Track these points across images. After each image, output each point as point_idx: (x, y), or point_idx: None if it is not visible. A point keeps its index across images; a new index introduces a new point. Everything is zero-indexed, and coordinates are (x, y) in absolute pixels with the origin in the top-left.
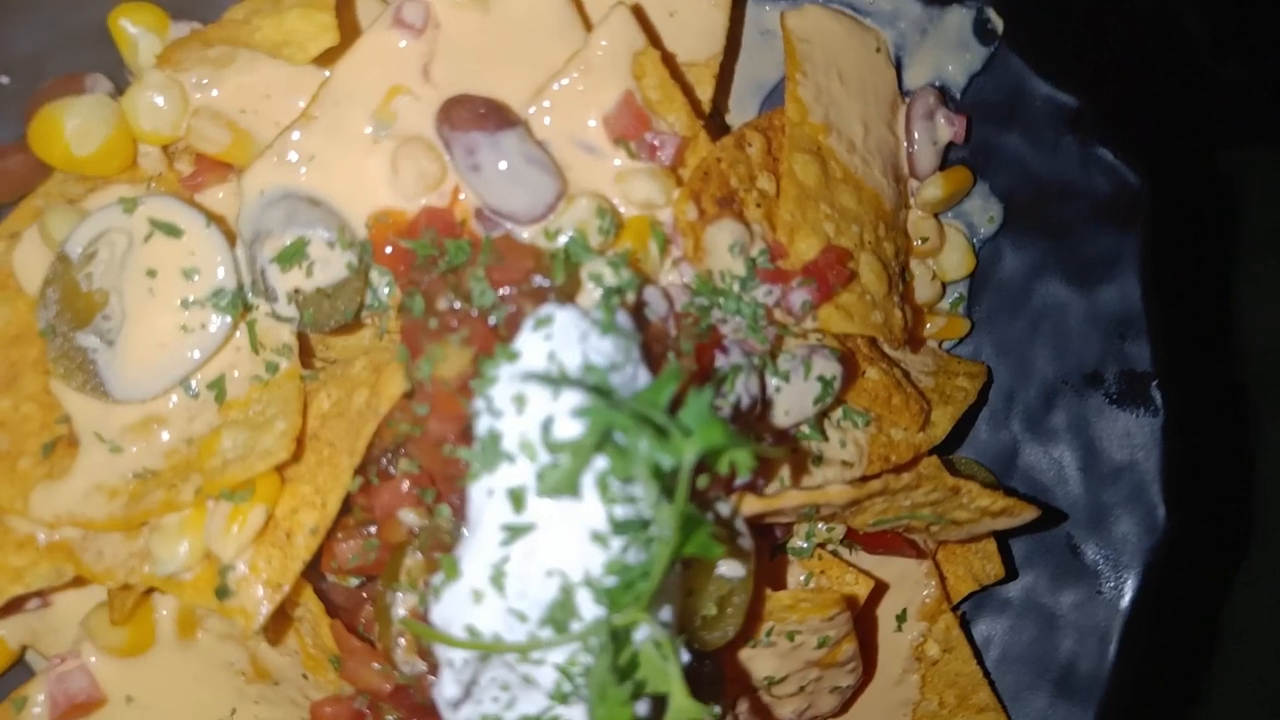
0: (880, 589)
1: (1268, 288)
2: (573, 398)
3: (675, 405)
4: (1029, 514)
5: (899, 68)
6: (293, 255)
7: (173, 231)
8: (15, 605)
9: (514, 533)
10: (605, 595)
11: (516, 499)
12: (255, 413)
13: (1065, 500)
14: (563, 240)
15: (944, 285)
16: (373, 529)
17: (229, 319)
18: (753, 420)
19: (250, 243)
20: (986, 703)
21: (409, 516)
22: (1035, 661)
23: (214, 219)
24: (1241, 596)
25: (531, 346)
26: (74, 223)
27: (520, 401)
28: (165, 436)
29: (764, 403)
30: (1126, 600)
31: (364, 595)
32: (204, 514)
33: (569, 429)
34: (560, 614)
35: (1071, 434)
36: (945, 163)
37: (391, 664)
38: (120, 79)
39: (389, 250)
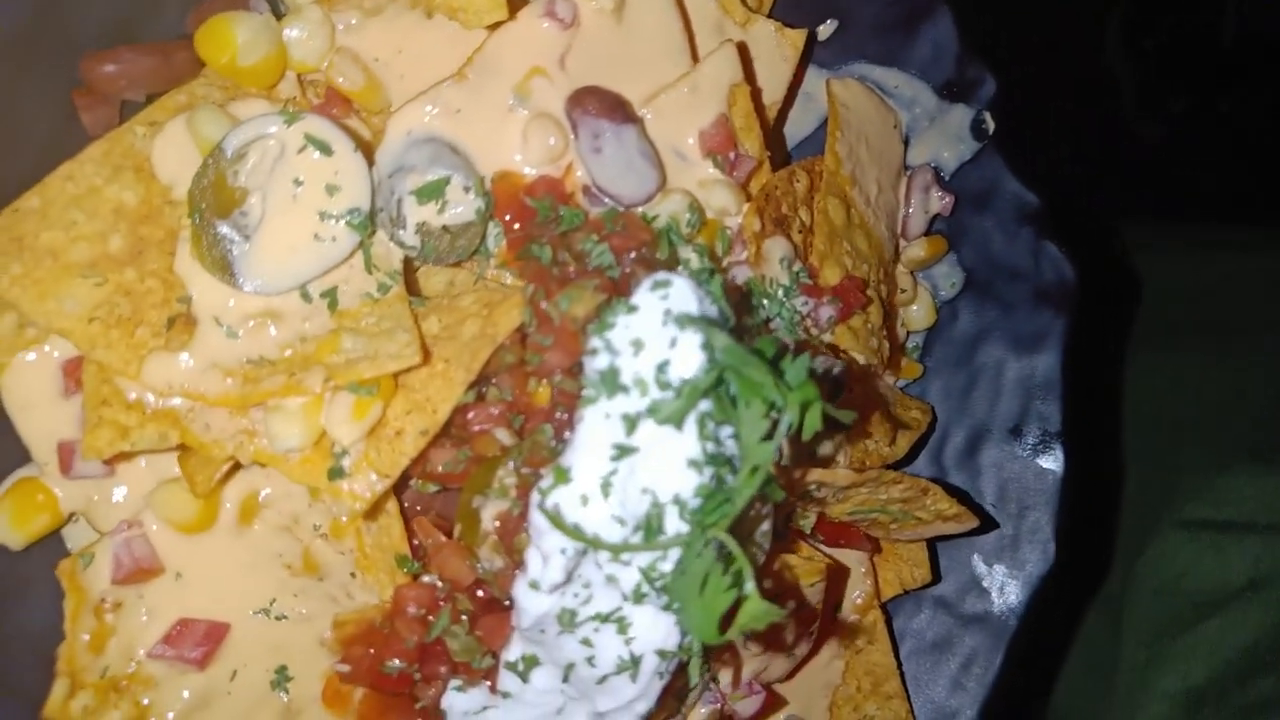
0: (843, 572)
1: (1154, 372)
2: (689, 346)
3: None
4: (972, 522)
5: (906, 145)
6: (432, 192)
7: (325, 149)
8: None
9: (623, 452)
10: (692, 514)
11: (630, 423)
12: (368, 324)
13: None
14: (659, 224)
15: (908, 333)
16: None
17: (357, 237)
18: None
19: (390, 174)
20: (894, 691)
21: (502, 435)
22: (939, 656)
23: (361, 146)
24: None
25: (649, 303)
26: (221, 123)
27: (638, 345)
28: (280, 332)
29: None
30: (1019, 611)
31: (431, 503)
32: (321, 403)
33: (680, 372)
34: (652, 525)
35: (992, 473)
36: (929, 230)
37: (476, 559)
38: (275, 4)
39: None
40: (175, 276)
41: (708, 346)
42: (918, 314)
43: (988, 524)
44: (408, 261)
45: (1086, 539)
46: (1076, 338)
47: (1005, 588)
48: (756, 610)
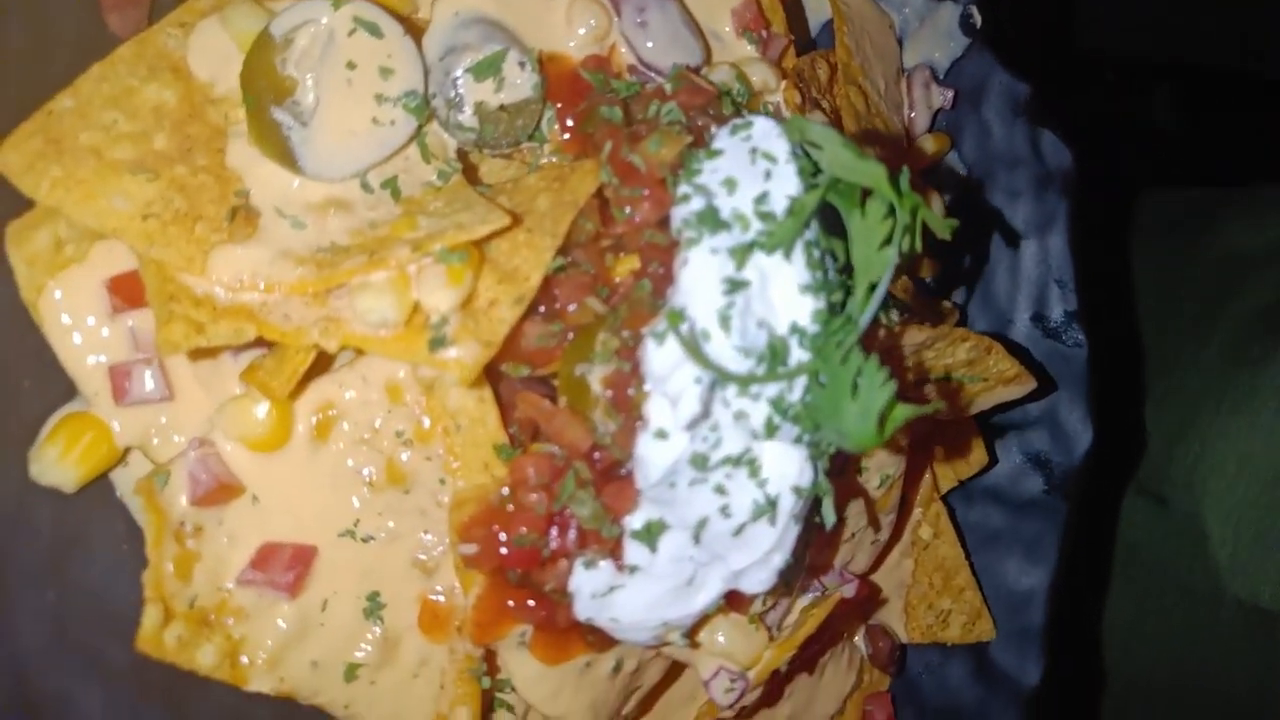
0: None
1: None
2: (786, 174)
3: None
4: (1030, 383)
5: (900, 46)
6: (488, 67)
7: (375, 31)
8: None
9: (734, 286)
10: (813, 340)
11: (737, 257)
12: (436, 208)
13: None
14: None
15: None
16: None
17: (415, 122)
18: None
19: (442, 57)
20: (966, 583)
21: (594, 303)
22: (1001, 546)
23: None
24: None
25: (733, 145)
26: (257, 15)
27: (730, 184)
28: (348, 220)
29: None
30: (1069, 490)
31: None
32: (408, 278)
33: (780, 200)
34: (777, 354)
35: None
36: (932, 127)
37: (590, 425)
38: None
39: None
40: (229, 171)
41: (805, 173)
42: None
43: (1045, 386)
44: (464, 155)
45: (1123, 416)
46: (1083, 219)
47: (1052, 470)
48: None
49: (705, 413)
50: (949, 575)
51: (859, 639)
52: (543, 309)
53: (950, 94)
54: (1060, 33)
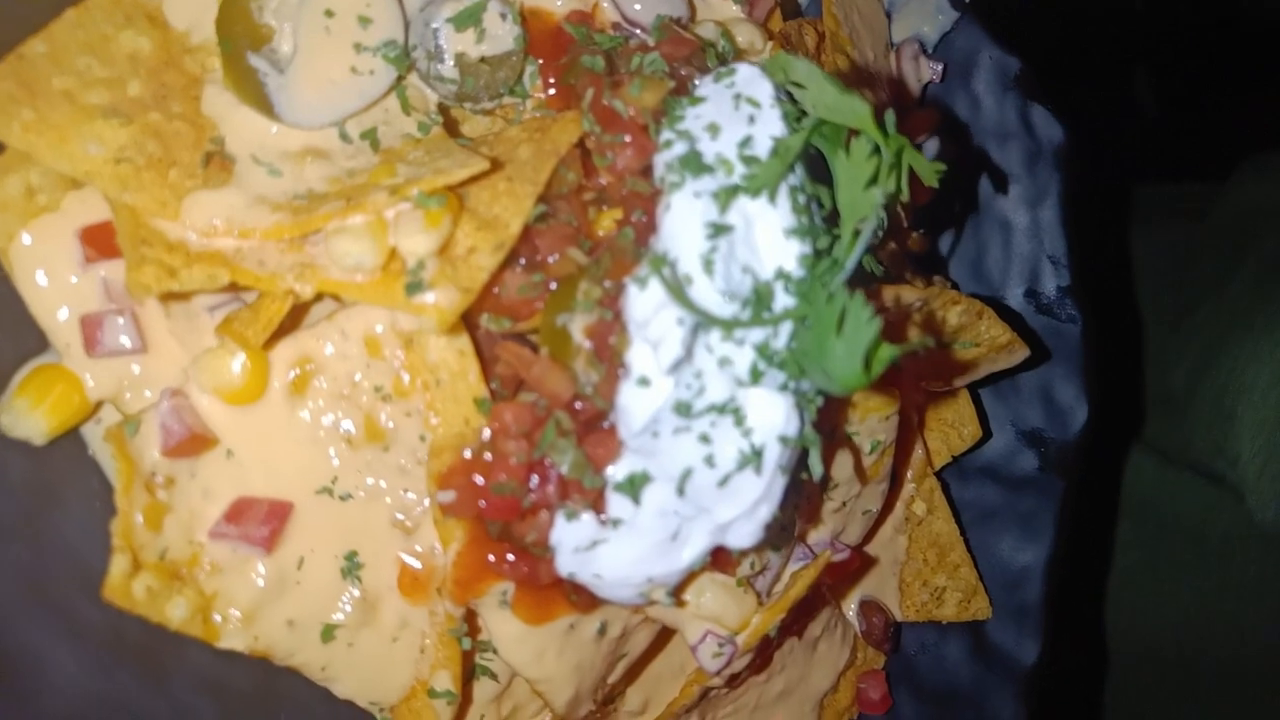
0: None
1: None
2: (770, 118)
3: None
4: (1024, 351)
5: (889, 20)
6: (469, 17)
7: None
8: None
9: (718, 230)
10: (798, 285)
11: (721, 200)
12: (416, 157)
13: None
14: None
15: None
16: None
17: (394, 72)
18: None
19: (422, 7)
20: (961, 559)
21: (576, 254)
22: (996, 523)
23: None
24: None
25: (716, 92)
26: None
27: (714, 129)
28: (325, 169)
29: None
30: (1064, 466)
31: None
32: (386, 224)
33: (764, 143)
34: (762, 299)
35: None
36: (922, 101)
37: (571, 375)
38: None
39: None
40: (204, 118)
41: (789, 117)
42: None
43: (1038, 355)
44: (445, 110)
45: (1119, 390)
46: (1076, 193)
47: (1047, 446)
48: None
49: (688, 355)
50: (943, 552)
51: (852, 615)
52: (524, 261)
53: (940, 67)
54: (1049, 5)
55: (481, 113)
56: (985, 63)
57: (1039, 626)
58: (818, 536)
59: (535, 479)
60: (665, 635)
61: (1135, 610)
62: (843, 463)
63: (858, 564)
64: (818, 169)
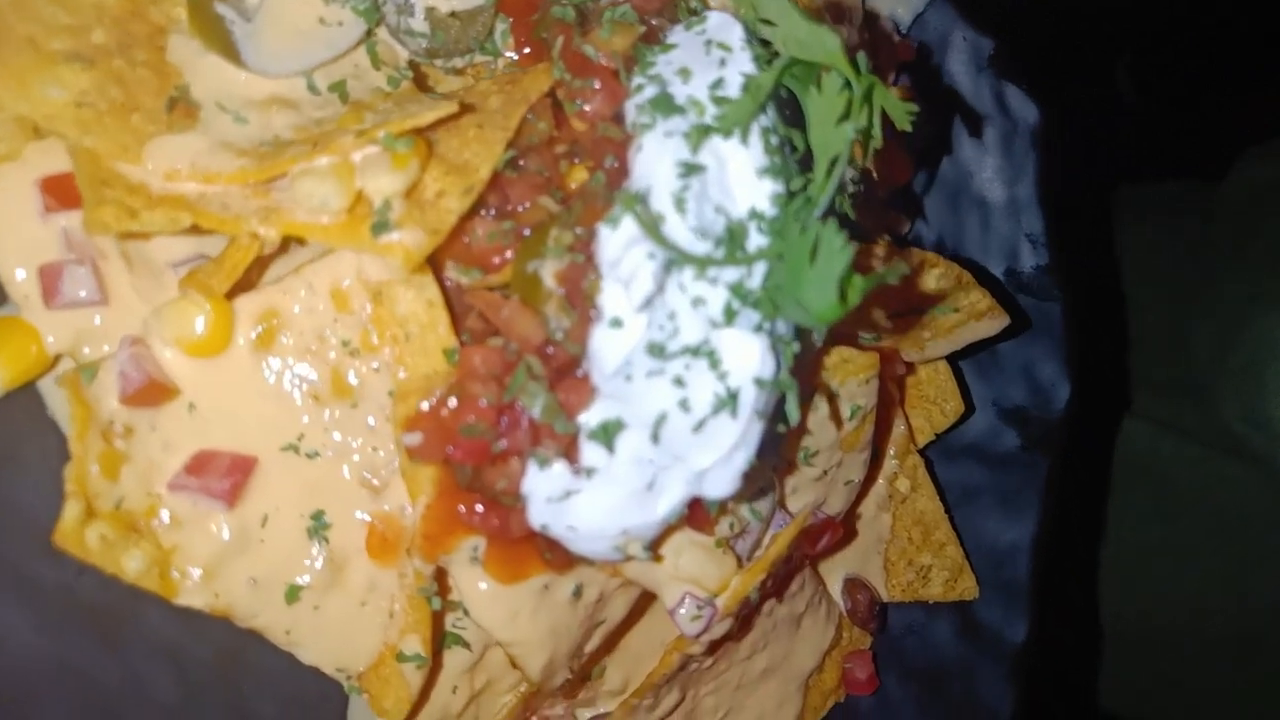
0: (893, 360)
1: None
2: (742, 60)
3: None
4: (1004, 319)
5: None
6: None
7: None
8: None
9: (690, 169)
10: (771, 224)
11: (692, 140)
12: (385, 108)
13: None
14: None
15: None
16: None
17: (364, 25)
18: None
19: None
20: (946, 537)
21: (547, 202)
22: (981, 501)
23: None
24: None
25: (687, 38)
26: None
27: (685, 73)
28: (292, 118)
29: None
30: (1048, 442)
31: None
32: (353, 167)
33: (735, 86)
34: (735, 238)
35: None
36: (895, 81)
37: (542, 319)
38: None
39: None
40: (170, 66)
41: (760, 59)
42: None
43: (1019, 323)
44: (416, 67)
45: (1107, 367)
46: (1051, 171)
47: (1030, 423)
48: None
49: (660, 292)
50: (928, 530)
51: (837, 594)
52: (494, 210)
53: (913, 45)
54: None
55: (452, 71)
56: (959, 43)
57: (1027, 605)
58: (799, 505)
59: (506, 421)
60: (644, 603)
61: (1136, 586)
62: (823, 431)
63: (840, 534)
64: (791, 115)
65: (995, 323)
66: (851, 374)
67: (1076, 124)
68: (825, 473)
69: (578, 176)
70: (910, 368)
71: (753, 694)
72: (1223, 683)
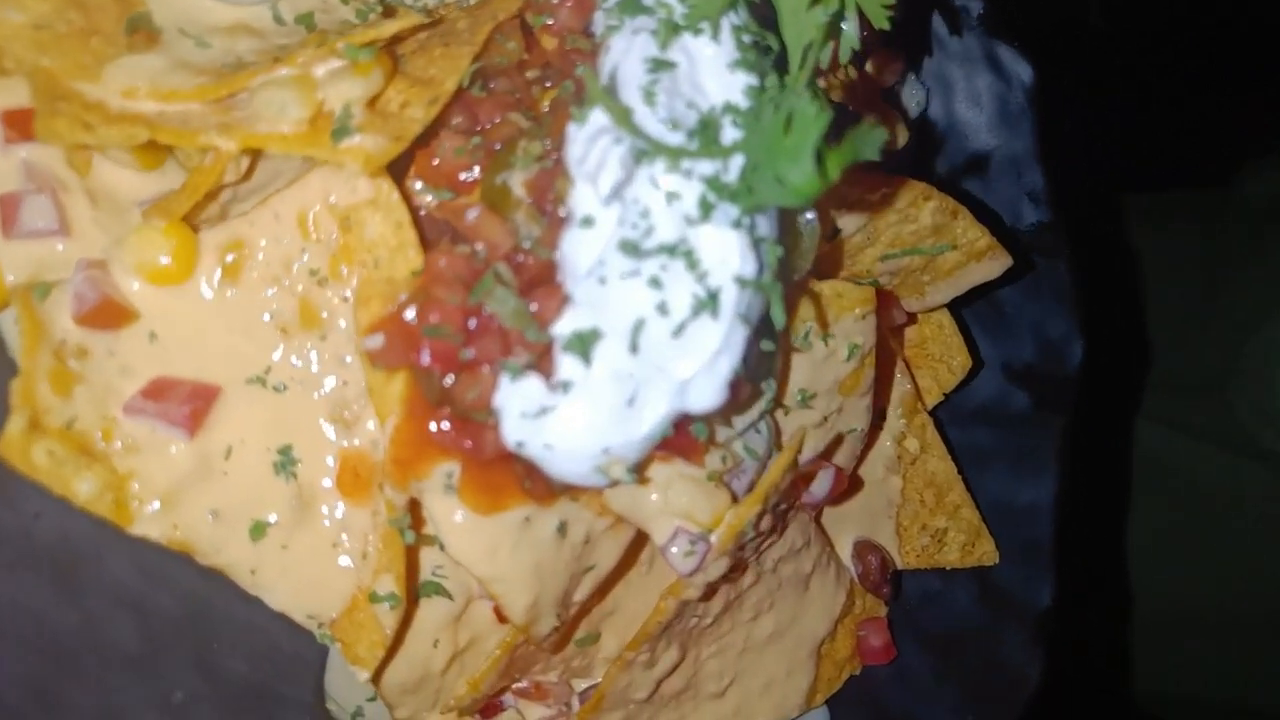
0: (890, 300)
1: None
2: None
3: None
4: (1005, 259)
5: None
6: None
7: None
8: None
9: (659, 65)
10: (744, 116)
11: (663, 34)
12: (351, 35)
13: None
14: None
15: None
16: None
17: None
18: None
19: None
20: (961, 499)
21: (517, 118)
22: (994, 464)
23: None
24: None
25: None
26: None
27: None
28: (256, 44)
29: None
30: (1060, 403)
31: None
32: (314, 79)
33: None
34: (708, 130)
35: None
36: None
37: (511, 225)
38: None
39: None
40: None
41: None
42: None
43: (1021, 265)
44: (386, 6)
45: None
46: (1048, 128)
47: (1042, 382)
48: (861, 136)
49: (629, 180)
50: (941, 492)
51: (847, 559)
52: (462, 122)
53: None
54: None
55: (422, 10)
56: (948, 4)
57: (1050, 566)
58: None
59: (474, 324)
60: (635, 551)
61: (1152, 572)
62: (822, 373)
63: (845, 485)
64: (765, 23)
65: (997, 264)
66: (846, 309)
67: (1086, 129)
68: (825, 419)
69: (550, 99)
70: (910, 318)
71: (760, 659)
72: (1254, 663)
